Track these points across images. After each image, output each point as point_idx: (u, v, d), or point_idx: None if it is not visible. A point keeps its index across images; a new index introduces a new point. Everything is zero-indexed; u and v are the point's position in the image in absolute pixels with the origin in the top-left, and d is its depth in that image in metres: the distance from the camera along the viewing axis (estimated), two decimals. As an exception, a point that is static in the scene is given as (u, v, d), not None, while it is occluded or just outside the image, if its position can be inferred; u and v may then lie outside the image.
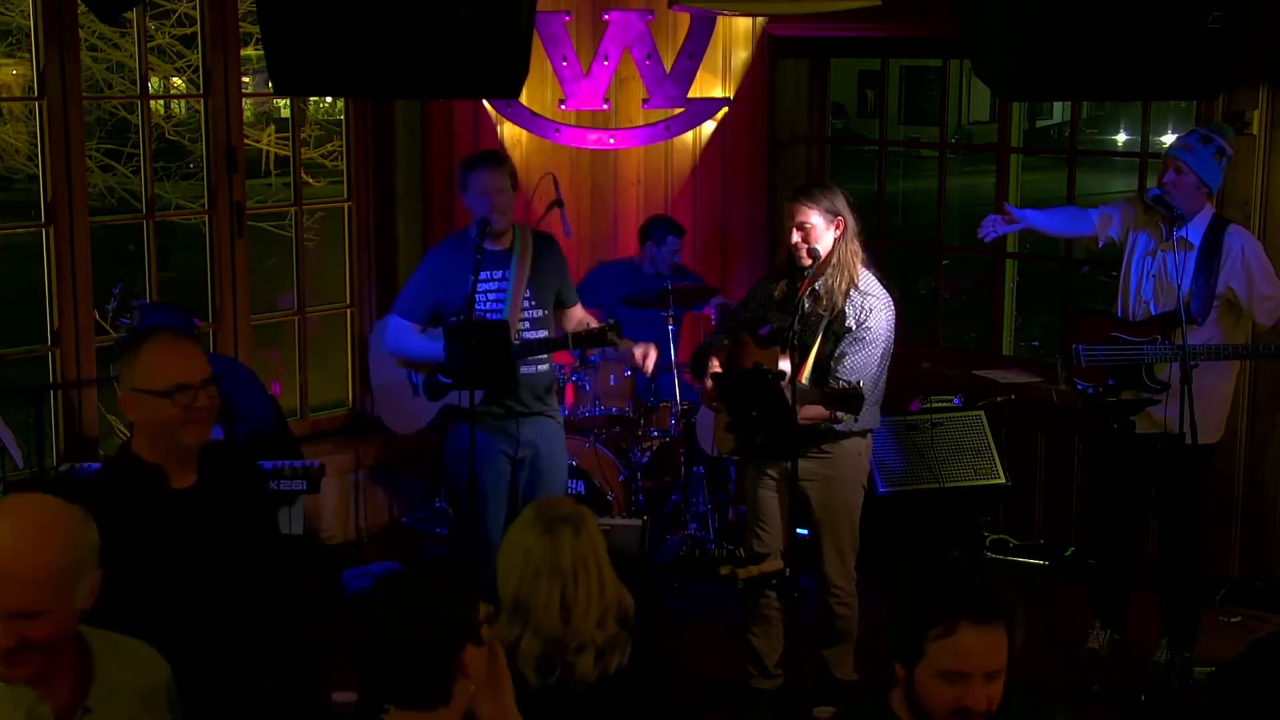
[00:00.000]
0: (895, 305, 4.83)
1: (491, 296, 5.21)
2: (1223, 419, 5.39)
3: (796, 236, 4.74)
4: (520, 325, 5.23)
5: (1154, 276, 5.30)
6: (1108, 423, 5.66)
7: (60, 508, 2.31)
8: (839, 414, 4.60)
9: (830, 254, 4.73)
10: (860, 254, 4.78)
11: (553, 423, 5.42)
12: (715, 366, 5.02)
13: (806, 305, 4.72)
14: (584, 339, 5.13)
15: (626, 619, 3.17)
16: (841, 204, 4.75)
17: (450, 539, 6.34)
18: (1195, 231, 5.19)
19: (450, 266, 5.22)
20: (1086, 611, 5.73)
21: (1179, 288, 4.94)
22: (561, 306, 5.41)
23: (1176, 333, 4.99)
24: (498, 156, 5.36)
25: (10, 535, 2.25)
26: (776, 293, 4.90)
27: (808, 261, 4.72)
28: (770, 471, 4.89)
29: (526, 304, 5.27)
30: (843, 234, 4.73)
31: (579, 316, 5.44)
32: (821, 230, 4.72)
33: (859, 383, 4.47)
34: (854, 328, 4.69)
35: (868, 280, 4.78)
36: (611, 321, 5.12)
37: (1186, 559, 5.34)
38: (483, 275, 5.14)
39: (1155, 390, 5.15)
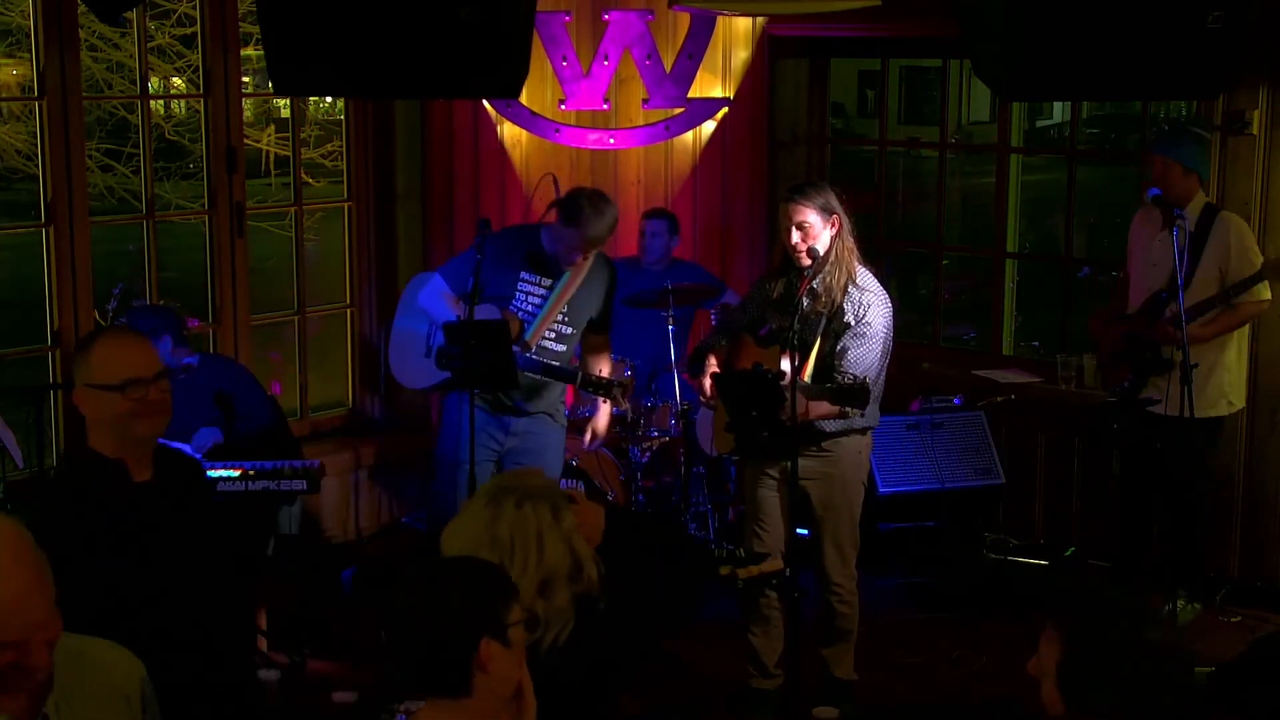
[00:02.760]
0: (893, 303, 4.86)
1: (533, 300, 5.31)
2: (1222, 391, 5.56)
3: (796, 236, 4.74)
4: (546, 334, 5.34)
5: (1154, 265, 5.56)
6: (1109, 423, 5.77)
7: (9, 524, 2.23)
8: (846, 410, 4.61)
9: (828, 251, 4.75)
10: (856, 250, 4.80)
11: (548, 420, 5.49)
12: (713, 365, 5.03)
13: (805, 304, 4.72)
14: (591, 384, 5.30)
15: (587, 594, 3.14)
16: (835, 201, 4.77)
17: (426, 502, 6.39)
18: (1189, 219, 5.41)
19: (502, 256, 5.24)
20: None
21: (1179, 275, 5.04)
22: (592, 329, 5.50)
23: (1166, 311, 5.37)
24: (604, 210, 5.19)
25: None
26: (774, 292, 4.91)
27: (807, 261, 4.72)
28: (770, 471, 4.90)
29: (560, 317, 5.37)
30: (838, 231, 4.75)
31: (597, 349, 5.56)
32: (819, 228, 4.73)
33: (864, 378, 4.48)
34: (853, 323, 4.70)
35: (865, 277, 4.79)
36: (624, 380, 5.35)
37: (1187, 536, 5.60)
38: (532, 277, 5.32)
39: (1162, 369, 5.43)
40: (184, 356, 5.47)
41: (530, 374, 5.30)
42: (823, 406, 4.63)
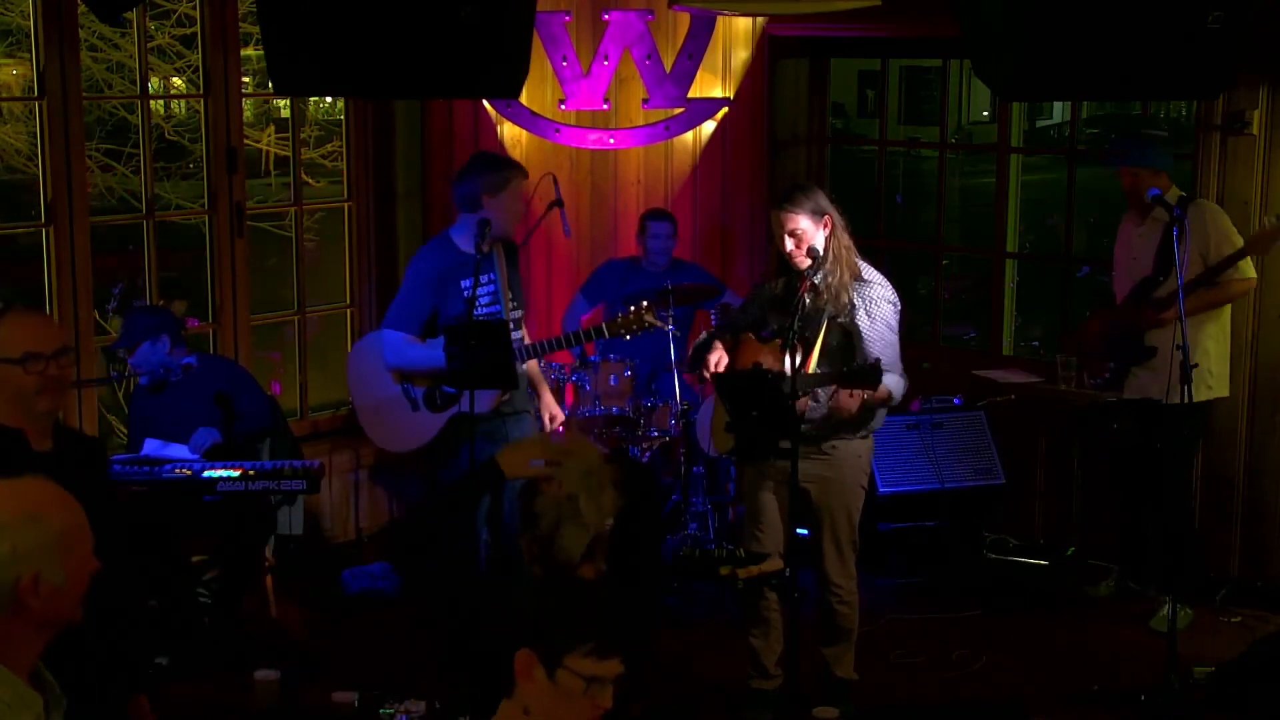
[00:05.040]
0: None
1: (484, 299, 5.31)
2: (1200, 376, 5.56)
3: (790, 244, 4.72)
4: (510, 326, 5.31)
5: (1134, 259, 5.78)
6: (1108, 423, 5.80)
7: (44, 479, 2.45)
8: (866, 395, 4.55)
9: (825, 250, 4.73)
10: (853, 247, 4.79)
11: (528, 418, 5.55)
12: (721, 353, 4.91)
13: (807, 301, 4.71)
14: (620, 326, 5.33)
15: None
16: (825, 202, 4.75)
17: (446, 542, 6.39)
18: (1159, 212, 5.57)
19: (444, 273, 5.25)
20: (1086, 607, 5.97)
21: (1179, 272, 5.10)
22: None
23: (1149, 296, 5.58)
24: (489, 159, 5.48)
25: (52, 492, 2.38)
26: (774, 291, 4.90)
27: (806, 263, 4.71)
28: (767, 472, 4.89)
29: (511, 304, 5.40)
30: (832, 231, 4.73)
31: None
32: (812, 232, 4.71)
33: (877, 359, 4.46)
34: (867, 321, 4.70)
35: (868, 270, 4.80)
36: (645, 304, 5.33)
37: (1180, 537, 5.66)
38: (469, 281, 5.25)
39: (1148, 358, 5.61)
40: (183, 357, 5.47)
41: (530, 363, 5.36)
42: (845, 403, 4.55)
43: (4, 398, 3.32)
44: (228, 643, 5.37)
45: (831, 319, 4.71)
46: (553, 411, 5.73)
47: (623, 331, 5.36)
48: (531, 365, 5.65)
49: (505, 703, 2.44)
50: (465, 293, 5.22)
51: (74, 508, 2.39)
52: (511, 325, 5.31)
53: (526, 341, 5.48)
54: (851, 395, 4.54)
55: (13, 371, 3.27)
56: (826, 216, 4.73)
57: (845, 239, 4.77)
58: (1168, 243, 5.46)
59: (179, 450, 5.35)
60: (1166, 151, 5.73)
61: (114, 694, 3.39)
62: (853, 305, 4.71)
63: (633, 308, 5.36)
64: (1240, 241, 5.60)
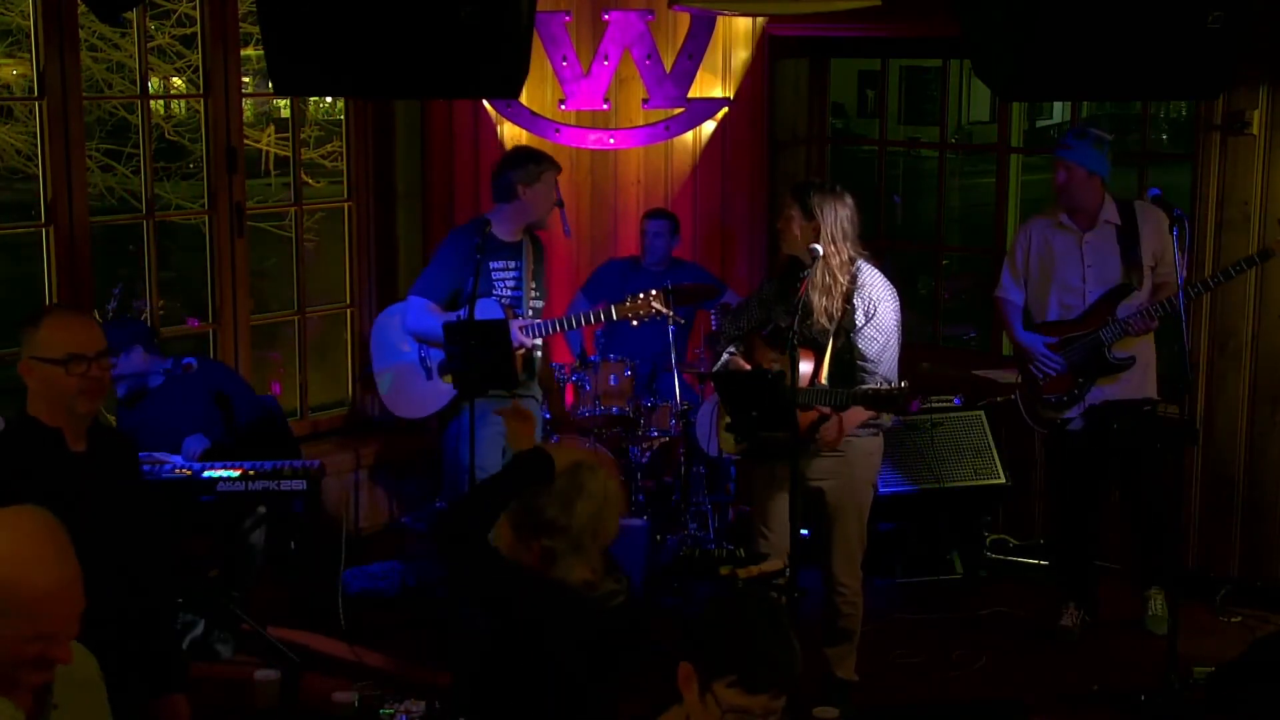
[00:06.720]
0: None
1: (510, 284, 5.47)
2: (1153, 381, 5.61)
3: (780, 222, 4.84)
4: (529, 313, 5.53)
5: (1090, 266, 5.53)
6: (1109, 423, 5.74)
7: (46, 515, 2.32)
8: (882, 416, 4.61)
9: (817, 265, 4.68)
10: (847, 262, 4.72)
11: (534, 403, 5.61)
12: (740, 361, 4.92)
13: (812, 303, 4.70)
14: (626, 309, 5.45)
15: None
16: (827, 214, 4.68)
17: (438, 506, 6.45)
18: (1109, 215, 5.50)
19: (469, 255, 5.33)
20: (1057, 594, 5.88)
21: (1179, 273, 4.99)
22: None
23: (1120, 306, 5.40)
24: (513, 158, 5.67)
25: (23, 550, 2.25)
26: (777, 291, 4.90)
27: (790, 241, 4.75)
28: (779, 473, 4.86)
29: (534, 292, 5.56)
30: (817, 237, 4.67)
31: None
32: (793, 226, 4.74)
33: (903, 384, 4.47)
34: (863, 321, 4.70)
35: (867, 273, 4.76)
36: (654, 291, 5.48)
37: (1163, 532, 5.59)
38: (498, 264, 5.46)
39: (1123, 367, 5.45)
40: (162, 364, 5.42)
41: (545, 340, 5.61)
42: (855, 415, 4.63)
43: (45, 398, 3.33)
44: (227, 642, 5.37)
45: (837, 327, 4.71)
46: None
47: (630, 315, 5.47)
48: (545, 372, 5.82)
49: (674, 708, 2.45)
50: (494, 275, 5.40)
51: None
52: (531, 313, 5.52)
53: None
54: (839, 427, 4.62)
55: (55, 372, 3.27)
56: (814, 223, 4.70)
57: (836, 253, 4.69)
58: (1129, 247, 5.41)
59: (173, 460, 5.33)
60: (1107, 157, 5.50)
61: (140, 690, 3.40)
62: (853, 306, 4.70)
63: (641, 294, 5.46)
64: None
